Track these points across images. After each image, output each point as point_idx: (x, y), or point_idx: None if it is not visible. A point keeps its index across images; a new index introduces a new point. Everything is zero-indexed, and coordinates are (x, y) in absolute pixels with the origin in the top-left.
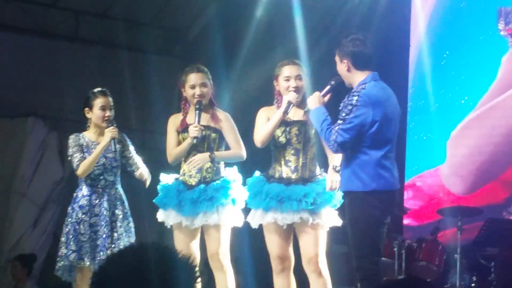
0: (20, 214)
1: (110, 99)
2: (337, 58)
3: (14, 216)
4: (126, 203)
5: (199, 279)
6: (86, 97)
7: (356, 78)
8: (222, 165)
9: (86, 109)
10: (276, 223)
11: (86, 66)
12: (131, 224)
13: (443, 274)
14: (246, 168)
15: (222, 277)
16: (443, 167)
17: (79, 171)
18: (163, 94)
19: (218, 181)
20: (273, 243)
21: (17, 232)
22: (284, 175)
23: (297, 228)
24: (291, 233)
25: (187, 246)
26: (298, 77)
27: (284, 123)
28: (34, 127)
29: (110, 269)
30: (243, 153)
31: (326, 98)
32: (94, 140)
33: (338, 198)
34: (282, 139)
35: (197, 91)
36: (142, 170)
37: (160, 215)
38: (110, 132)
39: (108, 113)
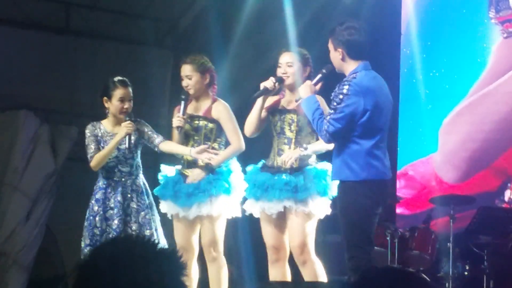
0: (13, 207)
1: (130, 89)
2: (330, 46)
3: (6, 209)
4: (145, 195)
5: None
6: (105, 85)
7: (349, 67)
8: None
9: (105, 98)
10: (265, 212)
11: (77, 58)
12: (149, 216)
13: (436, 262)
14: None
15: (214, 268)
16: (435, 156)
17: (92, 164)
18: (155, 85)
19: (214, 173)
20: (266, 233)
21: (10, 225)
22: (275, 164)
23: (286, 217)
24: (285, 223)
25: (186, 238)
26: (288, 64)
27: (278, 111)
28: (26, 120)
29: (92, 261)
30: (241, 145)
31: (318, 87)
32: (109, 130)
33: (331, 187)
34: (277, 128)
35: (184, 82)
36: (162, 143)
37: (162, 206)
38: (126, 127)
39: (126, 105)
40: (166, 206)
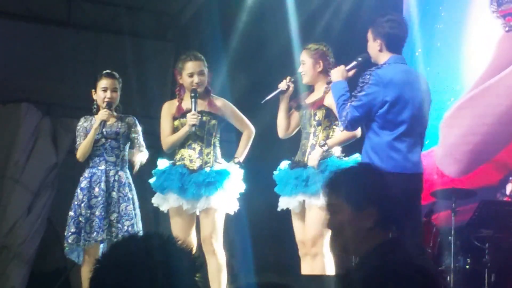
0: (14, 200)
1: (115, 81)
2: (369, 36)
3: (8, 202)
4: (127, 187)
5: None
6: (94, 78)
7: (384, 58)
8: (219, 151)
9: (93, 90)
10: (289, 208)
11: (79, 51)
12: (130, 208)
13: (438, 256)
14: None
15: (214, 260)
16: (437, 149)
17: (77, 155)
18: (157, 79)
19: (217, 167)
20: (295, 228)
21: (11, 218)
22: (297, 159)
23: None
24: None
25: (185, 232)
26: (302, 62)
27: (300, 107)
28: (27, 113)
29: (112, 256)
30: (253, 130)
31: (351, 73)
32: (97, 119)
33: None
34: (301, 124)
35: (195, 79)
36: (139, 155)
37: (157, 200)
38: (101, 114)
39: (108, 95)
40: (165, 200)
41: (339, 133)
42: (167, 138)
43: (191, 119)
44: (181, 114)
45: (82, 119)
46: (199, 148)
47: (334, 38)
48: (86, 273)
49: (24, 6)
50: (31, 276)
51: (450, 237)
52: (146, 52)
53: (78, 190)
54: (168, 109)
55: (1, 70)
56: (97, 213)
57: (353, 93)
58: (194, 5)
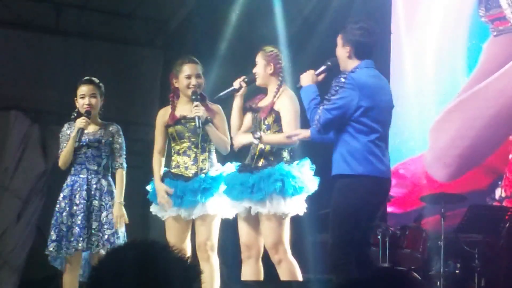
0: (3, 207)
1: (93, 87)
2: (339, 41)
3: None
4: (109, 195)
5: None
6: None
7: (353, 64)
8: (214, 156)
9: (75, 98)
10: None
11: (68, 59)
12: (111, 216)
13: (427, 261)
14: None
15: (208, 267)
16: (426, 154)
17: (59, 163)
18: (145, 85)
19: (212, 173)
20: (239, 230)
21: (1, 226)
22: (247, 162)
23: (258, 217)
24: (257, 221)
25: (180, 238)
26: (256, 63)
27: (250, 109)
28: (16, 120)
29: (108, 264)
30: (229, 146)
31: (320, 78)
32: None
33: (293, 186)
34: (252, 127)
35: (193, 81)
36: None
37: (154, 209)
38: (78, 122)
39: (87, 101)
40: (165, 210)
41: (279, 134)
42: (156, 154)
43: (196, 110)
44: (175, 121)
45: (66, 126)
46: (194, 155)
47: (324, 41)
48: (67, 282)
49: (13, 13)
50: (21, 284)
51: (439, 242)
52: (135, 58)
53: (60, 198)
54: (161, 116)
55: None
56: (78, 221)
57: (325, 97)
58: (183, 12)
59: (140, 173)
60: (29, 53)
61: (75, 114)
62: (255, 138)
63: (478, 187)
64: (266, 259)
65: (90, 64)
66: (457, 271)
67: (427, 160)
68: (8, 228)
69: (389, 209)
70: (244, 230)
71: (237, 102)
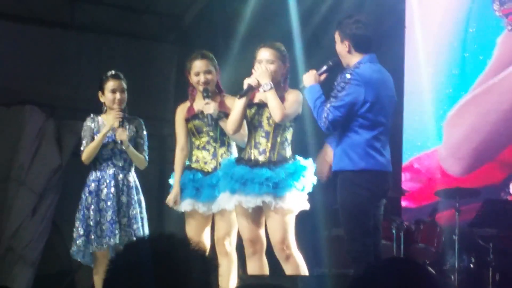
0: (19, 202)
1: (122, 82)
2: (337, 38)
3: (12, 205)
4: (135, 191)
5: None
6: (100, 80)
7: (354, 59)
8: (235, 149)
9: (99, 92)
10: (242, 206)
11: (82, 53)
12: (136, 211)
13: (442, 255)
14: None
15: (226, 262)
16: (440, 149)
17: (83, 157)
18: (159, 80)
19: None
20: (242, 226)
21: (16, 221)
22: (252, 157)
23: (264, 212)
24: (261, 216)
25: (199, 233)
26: (269, 61)
27: (256, 105)
28: (31, 115)
29: (124, 257)
30: (246, 139)
31: (322, 77)
32: (106, 124)
33: (304, 182)
34: (255, 122)
35: (202, 78)
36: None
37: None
38: (114, 119)
39: (118, 96)
40: (183, 203)
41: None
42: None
43: (207, 108)
44: (192, 115)
45: (88, 119)
46: (213, 149)
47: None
48: (98, 281)
49: (27, 8)
50: (36, 279)
51: (454, 236)
52: (149, 54)
53: (86, 194)
54: (181, 111)
55: (5, 72)
56: (107, 217)
57: (331, 94)
58: (197, 7)
59: (155, 167)
60: (44, 48)
61: (105, 109)
62: (265, 86)
63: (493, 182)
64: (267, 254)
65: (104, 59)
66: (471, 266)
67: (441, 155)
68: (24, 223)
69: (404, 203)
70: (247, 226)
71: (247, 100)
